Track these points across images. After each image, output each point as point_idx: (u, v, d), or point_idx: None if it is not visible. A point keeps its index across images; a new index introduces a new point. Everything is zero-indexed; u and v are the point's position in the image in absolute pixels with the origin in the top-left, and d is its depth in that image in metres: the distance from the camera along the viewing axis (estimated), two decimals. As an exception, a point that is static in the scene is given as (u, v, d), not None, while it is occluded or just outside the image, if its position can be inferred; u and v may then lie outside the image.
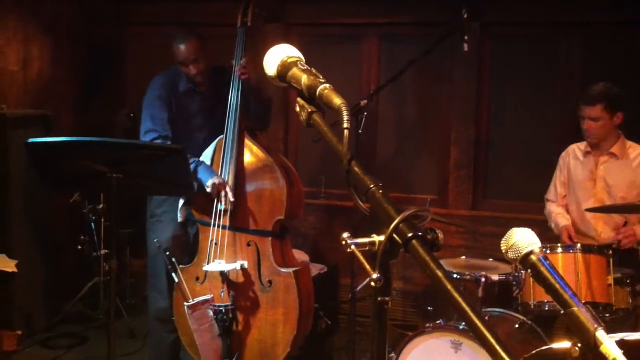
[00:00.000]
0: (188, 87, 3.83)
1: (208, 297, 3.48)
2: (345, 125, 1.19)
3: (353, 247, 1.08)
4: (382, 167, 5.22)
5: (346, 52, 5.31)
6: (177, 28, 3.88)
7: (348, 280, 4.12)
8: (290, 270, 3.47)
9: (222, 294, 3.46)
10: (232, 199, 3.47)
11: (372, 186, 1.13)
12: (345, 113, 1.20)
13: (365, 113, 3.77)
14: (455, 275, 3.56)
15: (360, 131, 3.69)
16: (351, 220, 3.91)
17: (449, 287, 0.94)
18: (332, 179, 5.22)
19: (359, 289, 3.81)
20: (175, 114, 3.78)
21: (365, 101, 3.76)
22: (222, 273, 3.44)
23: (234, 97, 3.59)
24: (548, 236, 3.85)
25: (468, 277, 3.53)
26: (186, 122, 3.83)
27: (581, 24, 4.72)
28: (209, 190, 3.47)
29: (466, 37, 3.83)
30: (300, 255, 4.10)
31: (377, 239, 1.07)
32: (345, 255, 4.71)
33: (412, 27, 5.11)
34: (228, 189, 3.48)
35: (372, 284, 1.03)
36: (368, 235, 1.12)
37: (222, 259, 3.51)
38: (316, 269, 4.40)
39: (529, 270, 1.38)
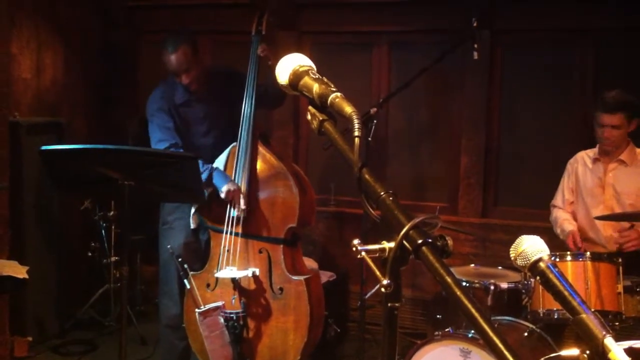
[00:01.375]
0: (185, 98, 3.81)
1: (219, 303, 3.49)
2: (356, 133, 1.21)
3: (363, 253, 1.09)
4: (392, 175, 5.23)
5: (357, 59, 5.33)
6: (167, 33, 3.81)
7: (357, 287, 4.13)
8: (302, 277, 3.49)
9: (233, 301, 3.48)
10: (243, 207, 3.49)
11: (382, 193, 1.15)
12: (356, 121, 1.21)
13: (375, 121, 3.79)
14: (464, 283, 3.56)
15: (370, 139, 3.71)
16: (361, 227, 3.92)
17: (459, 293, 0.95)
18: (342, 186, 5.23)
19: (368, 296, 3.82)
20: (178, 124, 3.78)
21: (375, 109, 3.78)
22: (233, 280, 3.46)
23: (247, 105, 3.60)
24: (557, 243, 3.85)
25: (477, 285, 3.54)
26: (189, 131, 3.83)
27: (592, 31, 4.72)
28: (223, 195, 3.49)
29: (476, 45, 3.85)
30: (310, 263, 4.11)
31: (387, 245, 1.08)
32: (355, 262, 4.73)
33: (423, 35, 5.12)
34: (241, 196, 3.50)
35: (382, 289, 1.05)
36: (378, 242, 1.14)
37: (233, 266, 3.52)
38: (325, 276, 4.41)
39: (538, 277, 1.39)
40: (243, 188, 3.53)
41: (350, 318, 4.97)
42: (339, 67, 5.18)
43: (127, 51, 5.75)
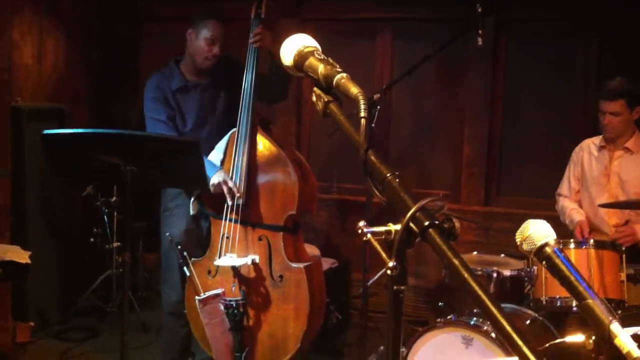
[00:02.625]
0: (181, 84, 3.80)
1: (219, 291, 3.49)
2: (362, 114, 1.19)
3: (369, 235, 1.08)
4: (394, 162, 5.22)
5: (360, 47, 5.31)
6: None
7: (359, 274, 4.13)
8: (302, 265, 3.48)
9: (233, 288, 3.47)
10: (237, 194, 3.46)
11: (388, 175, 1.14)
12: (362, 102, 1.20)
13: (379, 107, 3.76)
14: (467, 271, 3.55)
15: (373, 125, 3.69)
16: (363, 214, 3.90)
17: (466, 275, 0.94)
18: (345, 173, 5.22)
19: (370, 283, 3.81)
20: (174, 111, 3.77)
21: (379, 95, 3.75)
22: (233, 267, 3.45)
23: (247, 92, 3.58)
24: (560, 231, 3.83)
25: (480, 272, 3.54)
26: (185, 118, 3.81)
27: (595, 22, 4.70)
28: (212, 190, 3.47)
29: (480, 31, 3.82)
30: (312, 250, 4.10)
31: (394, 227, 1.07)
32: (357, 249, 4.71)
33: (426, 23, 5.10)
34: (231, 184, 3.45)
35: (388, 272, 1.03)
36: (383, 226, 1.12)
37: (233, 253, 3.51)
38: (327, 263, 4.40)
39: (544, 262, 1.38)
40: (242, 174, 3.51)
41: (353, 305, 4.97)
42: (342, 54, 5.14)
43: (128, 41, 5.73)
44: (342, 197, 5.24)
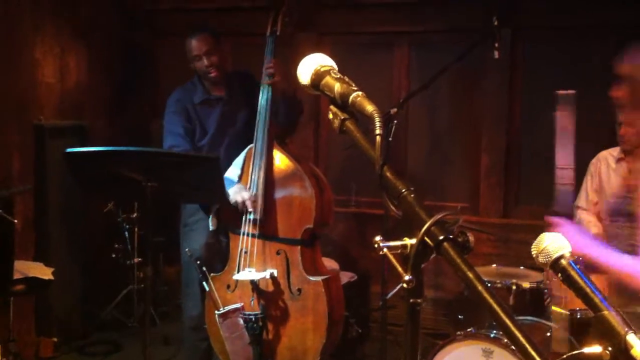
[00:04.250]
0: (204, 98, 3.88)
1: (238, 305, 3.51)
2: (378, 132, 1.22)
3: (385, 249, 1.10)
4: (412, 175, 5.23)
5: (377, 60, 5.34)
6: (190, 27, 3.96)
7: (378, 287, 4.13)
8: (319, 278, 3.49)
9: (252, 302, 3.49)
10: (251, 209, 3.49)
11: (403, 190, 1.16)
12: (377, 119, 1.22)
13: (395, 121, 3.78)
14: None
15: (390, 139, 3.70)
16: (381, 227, 3.92)
17: (480, 288, 0.96)
18: (363, 186, 5.23)
19: (389, 296, 3.82)
20: (194, 125, 3.83)
21: (395, 109, 3.78)
22: (252, 281, 3.47)
23: (263, 105, 3.62)
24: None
25: (499, 284, 3.52)
26: (205, 132, 3.87)
27: (614, 27, 4.68)
28: (232, 202, 3.51)
29: (496, 44, 3.83)
30: (330, 263, 4.12)
31: (409, 241, 1.09)
32: (376, 262, 4.70)
33: (443, 34, 5.12)
34: (248, 203, 3.49)
35: (405, 285, 1.06)
36: (399, 240, 1.14)
37: (252, 267, 3.54)
38: (346, 277, 4.41)
39: (559, 275, 1.39)
40: (259, 189, 3.54)
41: (372, 318, 4.97)
42: (358, 67, 5.19)
43: (147, 54, 5.80)
44: (360, 210, 5.25)
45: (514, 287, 3.44)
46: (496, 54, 3.93)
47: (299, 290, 3.49)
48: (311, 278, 3.49)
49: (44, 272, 3.64)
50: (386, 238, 1.16)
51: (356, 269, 4.79)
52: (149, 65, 5.82)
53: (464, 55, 3.97)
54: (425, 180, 5.22)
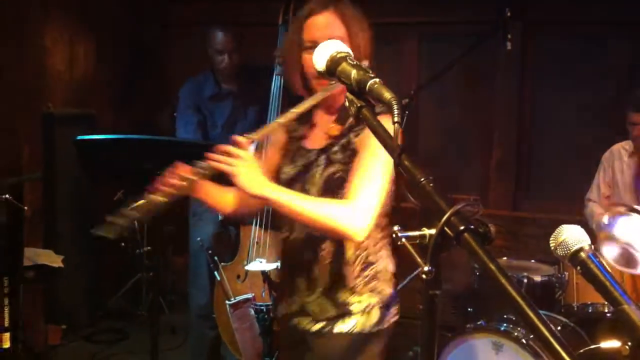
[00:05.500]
0: (215, 92, 3.87)
1: (249, 295, 3.49)
2: (396, 119, 1.20)
3: (404, 239, 1.08)
4: (423, 166, 5.19)
5: (386, 52, 5.30)
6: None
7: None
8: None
9: (263, 293, 3.48)
10: None
11: (422, 179, 1.14)
12: (395, 106, 1.21)
13: (407, 112, 3.75)
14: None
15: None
16: (393, 219, 3.89)
17: (503, 280, 0.94)
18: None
19: (399, 287, 3.79)
20: (206, 118, 3.83)
21: (407, 100, 3.75)
22: (263, 272, 3.46)
23: (275, 96, 3.60)
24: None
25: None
26: (216, 125, 3.87)
27: (628, 23, 4.63)
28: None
29: (509, 36, 3.79)
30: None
31: (428, 231, 1.07)
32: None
33: (453, 26, 5.08)
34: None
35: (423, 276, 1.03)
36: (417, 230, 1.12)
37: (262, 258, 3.52)
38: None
39: (578, 268, 1.37)
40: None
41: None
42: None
43: (156, 45, 5.78)
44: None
45: (525, 281, 3.42)
46: (509, 45, 3.88)
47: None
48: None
49: (54, 260, 3.64)
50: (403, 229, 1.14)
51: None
52: (156, 57, 5.79)
53: (473, 48, 3.93)
54: (436, 172, 5.15)
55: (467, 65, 4.64)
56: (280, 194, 1.97)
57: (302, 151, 2.24)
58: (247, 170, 1.96)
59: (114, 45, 5.46)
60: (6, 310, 3.12)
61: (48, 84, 4.70)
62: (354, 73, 1.36)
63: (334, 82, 1.58)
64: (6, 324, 3.15)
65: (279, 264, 3.47)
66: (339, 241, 2.12)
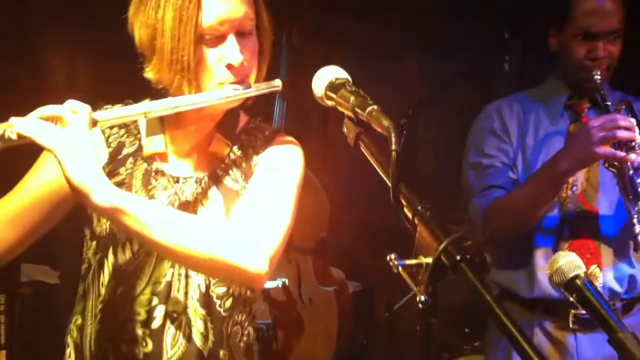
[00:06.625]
0: None
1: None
2: (394, 147, 1.21)
3: (400, 268, 1.09)
4: (420, 184, 5.18)
5: (385, 70, 5.32)
6: None
7: (385, 297, 4.11)
8: (331, 288, 3.48)
9: (263, 311, 3.48)
10: None
11: (419, 207, 1.15)
12: (393, 134, 1.21)
13: (405, 132, 3.77)
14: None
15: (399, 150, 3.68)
16: (387, 237, 3.90)
17: (498, 311, 0.95)
18: (372, 195, 5.20)
19: (396, 307, 3.80)
20: None
21: (405, 120, 3.77)
22: (262, 290, 3.46)
23: (278, 115, 3.62)
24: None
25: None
26: None
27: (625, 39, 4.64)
28: None
29: (507, 57, 3.83)
30: (336, 273, 4.10)
31: (425, 260, 1.08)
32: (382, 273, 4.66)
33: (454, 42, 5.09)
34: None
35: (420, 305, 1.04)
36: (411, 254, 1.13)
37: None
38: (352, 286, 4.39)
39: (574, 295, 1.38)
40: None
41: (378, 329, 4.93)
42: (367, 76, 5.14)
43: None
44: (368, 218, 5.22)
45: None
46: (506, 67, 3.92)
47: (310, 300, 3.48)
48: (323, 288, 3.48)
49: (50, 276, 3.63)
50: (395, 248, 1.14)
51: (363, 278, 4.76)
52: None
53: (474, 68, 3.96)
54: (434, 190, 5.18)
55: (466, 83, 4.65)
56: (131, 196, 1.40)
57: (163, 179, 1.60)
58: (77, 147, 1.29)
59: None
60: (2, 327, 3.11)
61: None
62: (352, 99, 1.37)
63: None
64: (2, 341, 3.13)
65: (279, 281, 3.48)
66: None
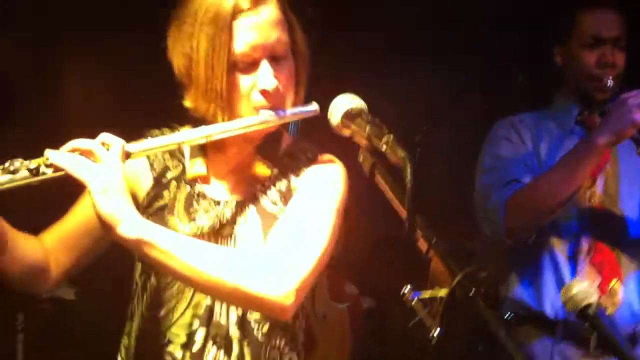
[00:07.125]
0: None
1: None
2: (408, 178, 1.22)
3: (415, 301, 1.10)
4: (435, 202, 5.17)
5: (396, 86, 5.32)
6: None
7: (398, 314, 4.10)
8: (344, 305, 3.48)
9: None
10: None
11: (433, 240, 1.16)
12: (408, 166, 1.22)
13: (419, 149, 3.78)
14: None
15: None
16: (401, 252, 3.89)
17: (510, 346, 0.96)
18: (385, 210, 5.19)
19: (410, 325, 3.80)
20: None
21: (418, 137, 3.78)
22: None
23: (291, 131, 3.63)
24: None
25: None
26: None
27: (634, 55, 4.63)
28: None
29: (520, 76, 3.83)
30: (349, 288, 4.11)
31: (440, 292, 1.09)
32: (395, 289, 4.65)
33: (467, 53, 5.08)
34: None
35: (433, 340, 1.06)
36: (424, 273, 1.14)
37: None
38: (365, 303, 4.39)
39: (587, 323, 1.39)
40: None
41: (392, 345, 4.92)
42: (378, 90, 5.13)
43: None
44: (383, 233, 5.21)
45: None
46: (520, 77, 3.92)
47: (324, 315, 3.48)
48: (336, 304, 3.47)
49: (66, 292, 3.65)
50: (406, 265, 1.15)
51: (375, 294, 4.76)
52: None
53: (487, 83, 3.96)
54: (448, 206, 5.16)
55: (482, 93, 4.65)
56: (156, 229, 1.38)
57: (204, 202, 1.61)
58: (109, 182, 1.33)
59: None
60: (20, 347, 3.11)
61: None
62: (368, 129, 1.38)
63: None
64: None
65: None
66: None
